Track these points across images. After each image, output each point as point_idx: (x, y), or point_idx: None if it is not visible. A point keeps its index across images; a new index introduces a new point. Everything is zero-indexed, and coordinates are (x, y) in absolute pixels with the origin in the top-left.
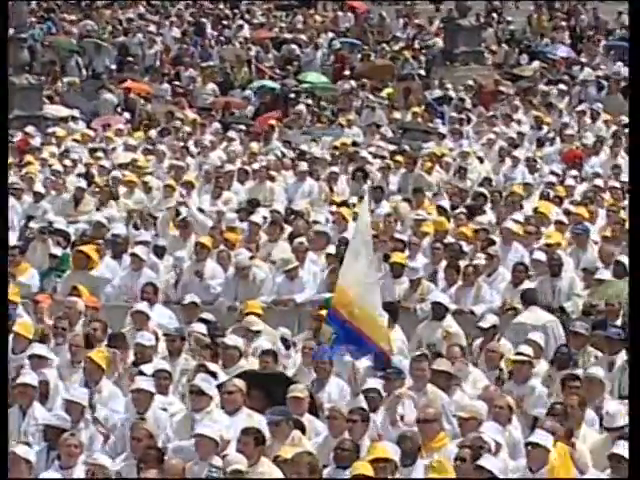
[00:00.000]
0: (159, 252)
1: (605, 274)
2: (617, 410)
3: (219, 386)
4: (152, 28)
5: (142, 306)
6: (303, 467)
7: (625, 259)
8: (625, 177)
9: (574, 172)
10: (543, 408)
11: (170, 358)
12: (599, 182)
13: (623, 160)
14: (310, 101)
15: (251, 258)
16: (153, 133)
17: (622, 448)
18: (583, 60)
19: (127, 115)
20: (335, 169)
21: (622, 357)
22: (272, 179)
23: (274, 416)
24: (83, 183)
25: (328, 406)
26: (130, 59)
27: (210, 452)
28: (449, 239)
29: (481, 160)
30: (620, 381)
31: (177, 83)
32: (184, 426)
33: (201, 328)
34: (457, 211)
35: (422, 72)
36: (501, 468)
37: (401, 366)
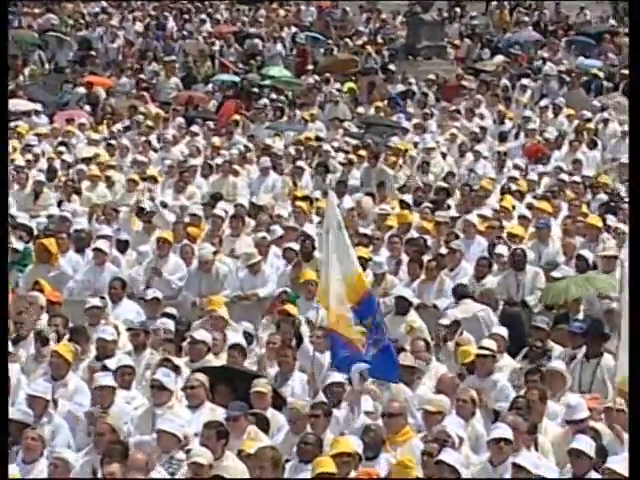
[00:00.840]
0: (122, 247)
1: (566, 270)
2: (578, 403)
3: None
4: (114, 22)
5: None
6: (266, 461)
7: (587, 253)
8: (586, 171)
9: (540, 167)
10: (506, 402)
11: (135, 352)
12: (563, 176)
13: (583, 155)
14: (274, 95)
15: (215, 253)
16: (116, 127)
17: (582, 443)
18: (545, 55)
19: (90, 109)
20: (300, 164)
21: (583, 351)
22: (235, 173)
23: (232, 411)
24: (42, 177)
25: (291, 400)
26: (92, 53)
27: (172, 447)
28: (412, 233)
29: (444, 155)
30: (580, 375)
31: (140, 77)
32: (145, 421)
33: (168, 323)
34: (423, 206)
35: (391, 67)
36: (462, 462)
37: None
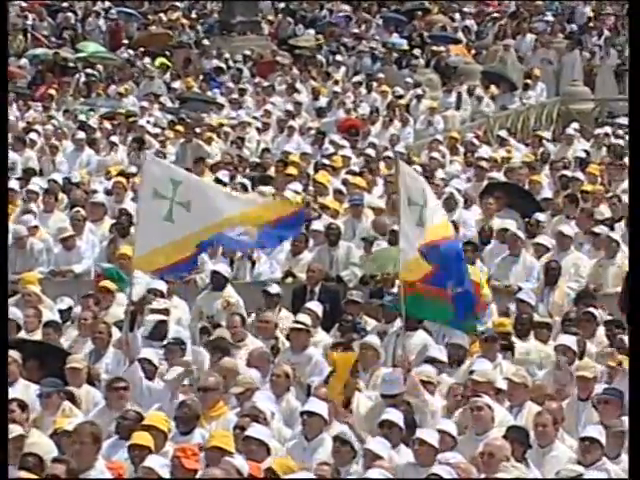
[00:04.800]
0: None
1: (383, 245)
2: (393, 378)
3: None
4: None
5: None
6: (86, 437)
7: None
8: (399, 147)
9: (355, 142)
10: (320, 377)
11: None
12: (375, 152)
13: (396, 130)
14: (88, 70)
15: (35, 228)
16: None
17: (391, 414)
18: (358, 31)
19: None
20: (114, 139)
21: (397, 324)
22: (50, 148)
23: (45, 388)
24: None
25: (105, 377)
26: None
27: None
28: None
29: (259, 130)
30: (394, 349)
31: None
32: None
33: None
34: (237, 181)
35: (205, 42)
36: (272, 436)
37: (181, 336)
